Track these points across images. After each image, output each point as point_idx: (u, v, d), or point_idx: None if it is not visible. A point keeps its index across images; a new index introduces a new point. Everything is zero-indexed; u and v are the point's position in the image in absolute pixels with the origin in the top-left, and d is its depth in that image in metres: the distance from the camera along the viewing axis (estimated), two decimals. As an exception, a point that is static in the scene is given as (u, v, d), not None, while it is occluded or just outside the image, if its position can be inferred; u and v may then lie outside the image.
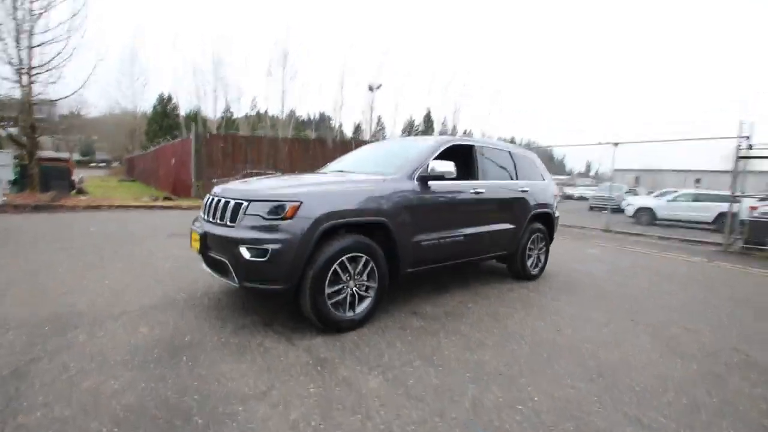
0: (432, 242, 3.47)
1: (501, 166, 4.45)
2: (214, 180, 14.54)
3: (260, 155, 14.63)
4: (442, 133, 57.82)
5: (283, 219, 2.66)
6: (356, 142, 17.42)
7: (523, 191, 4.54)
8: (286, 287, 2.70)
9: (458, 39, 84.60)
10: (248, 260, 2.64)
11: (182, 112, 46.01)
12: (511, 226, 4.36)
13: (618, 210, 21.17)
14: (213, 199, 3.12)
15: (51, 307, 3.18)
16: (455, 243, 3.70)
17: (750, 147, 8.87)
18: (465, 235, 3.79)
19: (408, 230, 3.24)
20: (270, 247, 2.60)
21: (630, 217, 16.22)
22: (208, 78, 44.25)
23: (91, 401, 1.96)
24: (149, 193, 16.24)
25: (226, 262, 2.75)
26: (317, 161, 15.11)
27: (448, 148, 3.78)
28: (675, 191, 17.33)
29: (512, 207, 4.39)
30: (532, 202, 4.63)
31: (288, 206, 2.68)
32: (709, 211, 14.51)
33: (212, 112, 46.40)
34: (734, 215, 9.46)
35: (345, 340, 2.81)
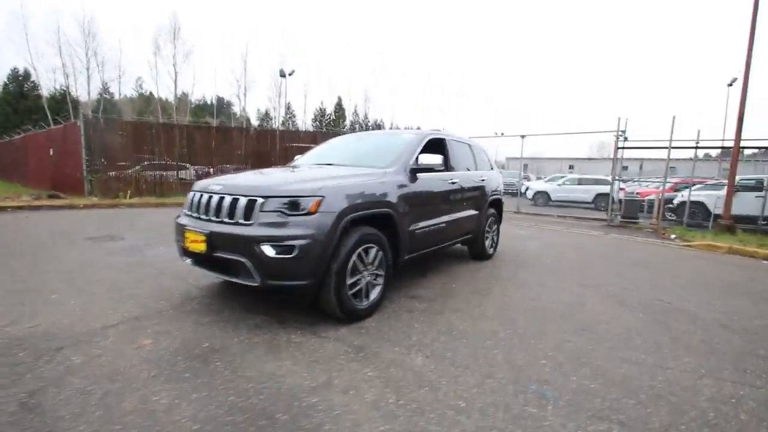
0: (423, 230, 3.73)
1: (465, 158, 4.89)
2: (113, 173, 12.75)
3: (171, 145, 13.17)
4: (353, 122, 58.10)
5: (307, 214, 2.66)
6: (317, 134, 16.72)
7: (483, 180, 5.07)
8: (312, 282, 2.71)
9: (371, 23, 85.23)
10: (273, 258, 2.58)
11: (44, 92, 38.43)
12: (475, 212, 4.86)
13: (515, 194, 24.24)
14: (209, 197, 2.93)
15: (3, 333, 2.68)
16: (439, 230, 4.02)
17: (625, 139, 10.93)
18: (446, 222, 4.14)
19: (406, 220, 3.45)
20: (297, 243, 2.58)
21: (530, 199, 18.58)
22: (77, 52, 37.53)
23: (151, 422, 1.81)
24: (14, 191, 13.49)
25: (245, 261, 2.64)
26: (240, 151, 14.21)
27: (428, 141, 4.05)
28: (563, 176, 20.35)
29: (476, 195, 4.87)
30: (488, 190, 5.19)
31: (311, 201, 2.68)
32: (589, 192, 17.50)
33: (85, 92, 39.53)
34: (614, 196, 11.61)
35: (366, 327, 2.94)
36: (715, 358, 2.65)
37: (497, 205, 5.57)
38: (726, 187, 11.11)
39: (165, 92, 46.34)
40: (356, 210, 2.91)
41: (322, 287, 2.78)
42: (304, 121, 52.98)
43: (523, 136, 13.38)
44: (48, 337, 2.61)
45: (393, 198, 3.27)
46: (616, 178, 11.52)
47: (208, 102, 54.94)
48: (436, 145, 4.24)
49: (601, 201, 17.41)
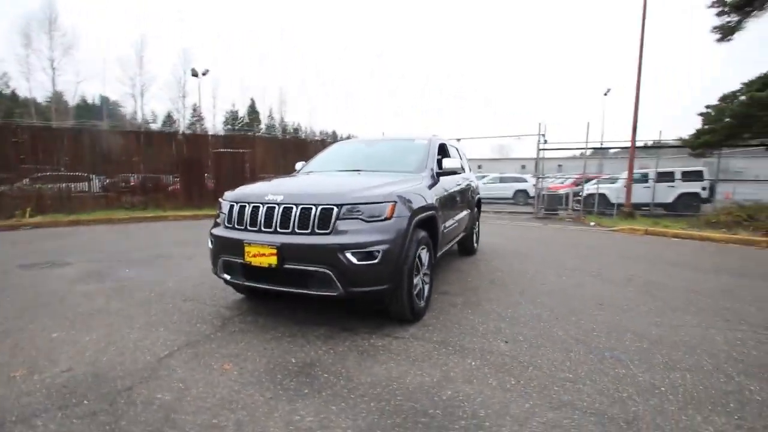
0: (447, 229, 3.99)
1: (458, 160, 5.26)
2: (4, 188, 10.56)
3: (81, 153, 11.37)
4: (269, 126, 55.73)
5: (384, 220, 2.72)
6: (257, 139, 15.44)
7: (471, 181, 5.51)
8: (391, 286, 2.77)
9: (283, 18, 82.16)
10: (356, 265, 2.60)
11: None
12: (469, 211, 5.26)
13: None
14: (270, 207, 2.80)
15: (36, 384, 2.26)
16: (454, 228, 4.32)
17: (545, 141, 12.54)
18: (457, 221, 4.45)
19: (440, 220, 3.67)
20: (379, 248, 2.64)
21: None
22: None
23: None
24: None
25: (325, 271, 2.61)
26: (166, 158, 12.83)
27: (440, 146, 4.32)
28: (486, 175, 22.32)
29: (469, 195, 5.28)
30: (474, 190, 5.65)
31: (387, 207, 2.75)
32: (509, 189, 19.60)
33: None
34: (536, 191, 13.21)
35: (429, 325, 3.08)
36: (704, 315, 3.37)
37: (480, 204, 6.08)
38: (620, 180, 13.43)
39: (40, 91, 39.21)
40: (418, 213, 3.04)
41: (396, 290, 2.86)
42: (214, 125, 49.34)
43: (458, 140, 14.45)
44: (100, 379, 2.27)
45: (433, 200, 3.46)
46: (540, 176, 13.12)
47: (89, 101, 47.89)
48: (442, 150, 4.53)
49: (519, 196, 19.62)
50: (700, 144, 9.81)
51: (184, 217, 11.17)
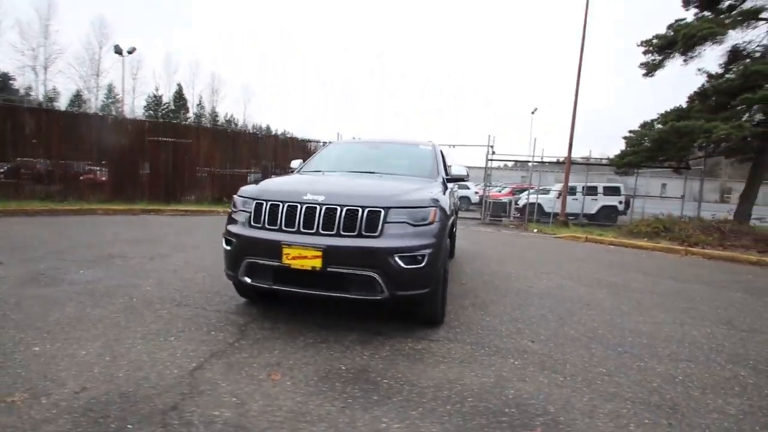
0: (453, 233, 4.12)
1: (446, 165, 5.44)
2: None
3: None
4: (198, 116, 51.65)
5: (429, 224, 2.74)
6: (201, 129, 13.83)
7: (454, 187, 5.72)
8: (431, 290, 2.79)
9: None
10: (405, 269, 2.58)
11: None
12: (455, 217, 5.46)
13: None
14: (311, 208, 2.66)
15: (45, 408, 1.90)
16: (453, 233, 4.47)
17: (493, 152, 13.42)
18: (453, 225, 4.60)
19: (452, 224, 3.78)
20: (425, 253, 2.64)
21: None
22: None
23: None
24: None
25: (372, 274, 2.55)
26: (89, 145, 11.31)
27: (441, 151, 4.45)
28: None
29: (456, 200, 5.49)
30: (456, 195, 5.88)
31: (431, 211, 2.77)
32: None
33: None
34: (484, 199, 14.08)
35: (454, 326, 3.16)
36: (674, 313, 3.90)
37: (458, 210, 6.34)
38: (552, 191, 14.85)
39: None
40: (451, 216, 3.11)
41: (435, 293, 2.89)
42: (133, 109, 44.48)
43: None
44: (131, 399, 1.98)
45: (451, 206, 3.56)
46: (488, 184, 14.00)
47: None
48: (442, 156, 4.65)
49: (462, 203, 20.67)
50: (624, 163, 11.27)
51: (116, 212, 9.96)
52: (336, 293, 2.64)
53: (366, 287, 2.60)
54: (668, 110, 10.50)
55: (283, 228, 2.70)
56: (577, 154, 16.26)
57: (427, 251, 2.66)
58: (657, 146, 10.07)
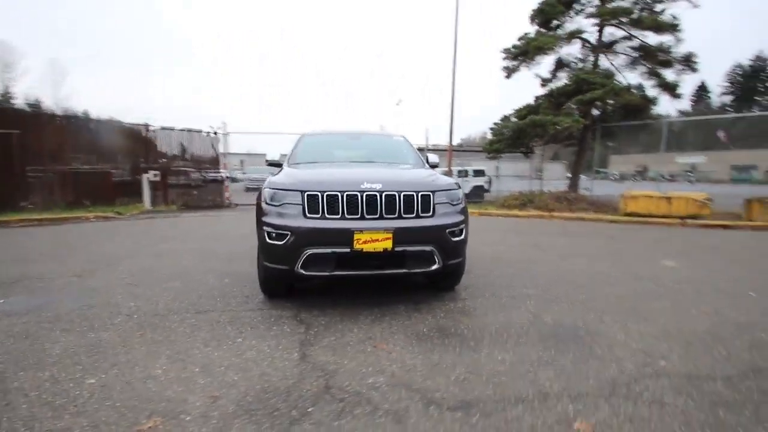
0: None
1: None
2: None
3: None
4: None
5: (460, 203, 3.26)
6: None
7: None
8: (464, 259, 3.34)
9: None
10: (453, 242, 3.07)
11: None
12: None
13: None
14: (364, 195, 2.88)
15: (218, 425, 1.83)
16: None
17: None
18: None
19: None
20: (463, 227, 3.18)
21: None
22: None
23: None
24: None
25: (431, 249, 2.97)
26: None
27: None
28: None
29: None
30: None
31: (461, 192, 3.29)
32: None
33: None
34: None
35: (459, 289, 3.80)
36: (582, 256, 5.34)
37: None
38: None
39: None
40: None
41: (464, 260, 3.44)
42: None
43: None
44: (274, 392, 2.01)
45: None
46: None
47: None
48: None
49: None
50: (493, 149, 13.64)
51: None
52: (399, 270, 2.96)
53: (424, 261, 2.99)
54: (521, 106, 13.17)
55: (346, 216, 2.86)
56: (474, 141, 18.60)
57: (463, 225, 3.20)
58: (516, 135, 12.57)
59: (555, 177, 19.05)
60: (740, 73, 56.81)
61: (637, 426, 1.73)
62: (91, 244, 6.12)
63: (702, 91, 53.85)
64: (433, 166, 4.51)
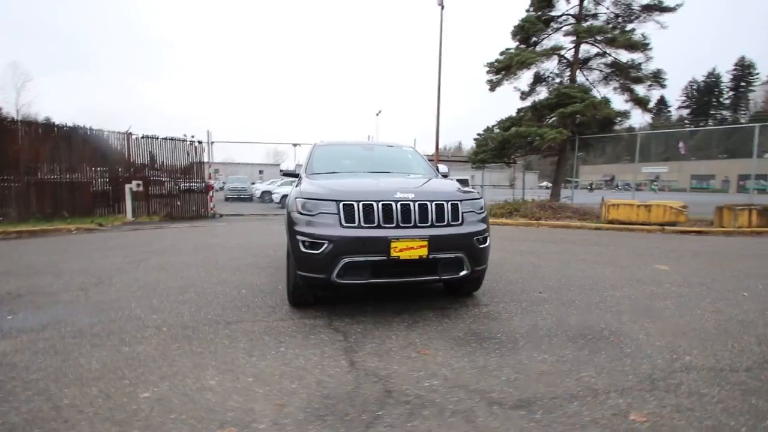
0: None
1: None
2: None
3: None
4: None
5: (483, 211, 3.40)
6: None
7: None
8: (487, 265, 3.47)
9: None
10: (480, 248, 3.19)
11: None
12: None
13: (249, 198, 24.72)
14: (398, 204, 2.97)
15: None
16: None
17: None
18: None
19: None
20: (487, 234, 3.31)
21: (277, 203, 19.92)
22: None
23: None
24: None
25: (461, 255, 3.08)
26: None
27: (416, 152, 5.09)
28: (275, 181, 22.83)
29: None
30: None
31: (483, 201, 3.43)
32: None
33: None
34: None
35: (478, 295, 3.92)
36: (574, 260, 5.60)
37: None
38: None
39: None
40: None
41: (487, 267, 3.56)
42: None
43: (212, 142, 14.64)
44: (341, 398, 2.06)
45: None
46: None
47: None
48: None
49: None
50: (478, 160, 14.03)
51: None
52: (432, 277, 3.05)
53: (453, 268, 3.10)
54: (504, 118, 13.66)
55: (382, 225, 2.94)
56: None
57: (487, 233, 3.34)
58: (501, 146, 13.01)
59: (528, 186, 19.77)
60: (695, 88, 60.92)
61: (686, 415, 1.88)
62: (81, 257, 5.88)
63: (661, 104, 57.42)
64: (444, 176, 4.66)
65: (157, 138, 12.87)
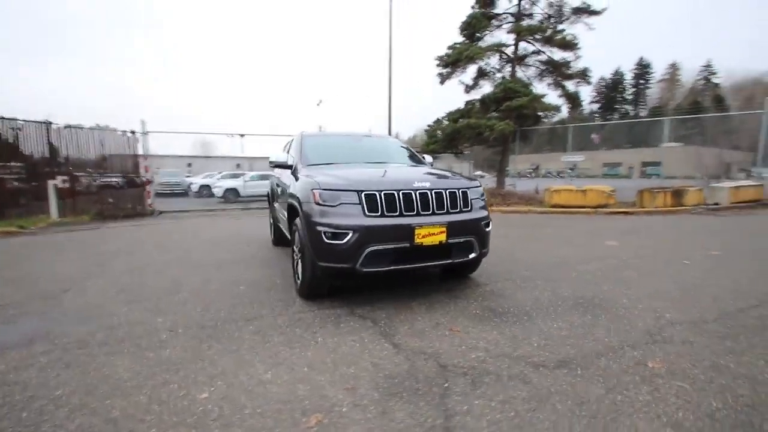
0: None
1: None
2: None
3: None
4: None
5: (484, 198, 3.64)
6: None
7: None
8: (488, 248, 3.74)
9: None
10: (486, 232, 3.46)
11: None
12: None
13: (184, 193, 23.00)
14: (417, 193, 3.10)
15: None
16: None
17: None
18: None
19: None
20: (489, 220, 3.58)
21: (220, 197, 18.80)
22: None
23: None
24: None
25: (472, 239, 3.31)
26: None
27: (401, 143, 5.23)
28: (242, 173, 21.68)
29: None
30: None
31: (483, 188, 3.68)
32: (267, 187, 20.19)
33: None
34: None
35: (476, 276, 4.21)
36: (539, 240, 6.17)
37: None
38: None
39: None
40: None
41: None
42: None
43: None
44: (402, 376, 2.18)
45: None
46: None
47: None
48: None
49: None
50: (429, 150, 14.50)
51: None
52: (447, 260, 3.24)
53: (465, 251, 3.32)
54: (453, 110, 14.26)
55: (404, 213, 3.05)
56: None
57: (489, 219, 3.61)
58: (451, 137, 13.60)
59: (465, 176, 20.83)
60: (604, 85, 68.12)
61: (689, 358, 2.29)
62: (23, 264, 5.17)
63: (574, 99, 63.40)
64: (430, 166, 4.86)
65: (83, 128, 11.48)
